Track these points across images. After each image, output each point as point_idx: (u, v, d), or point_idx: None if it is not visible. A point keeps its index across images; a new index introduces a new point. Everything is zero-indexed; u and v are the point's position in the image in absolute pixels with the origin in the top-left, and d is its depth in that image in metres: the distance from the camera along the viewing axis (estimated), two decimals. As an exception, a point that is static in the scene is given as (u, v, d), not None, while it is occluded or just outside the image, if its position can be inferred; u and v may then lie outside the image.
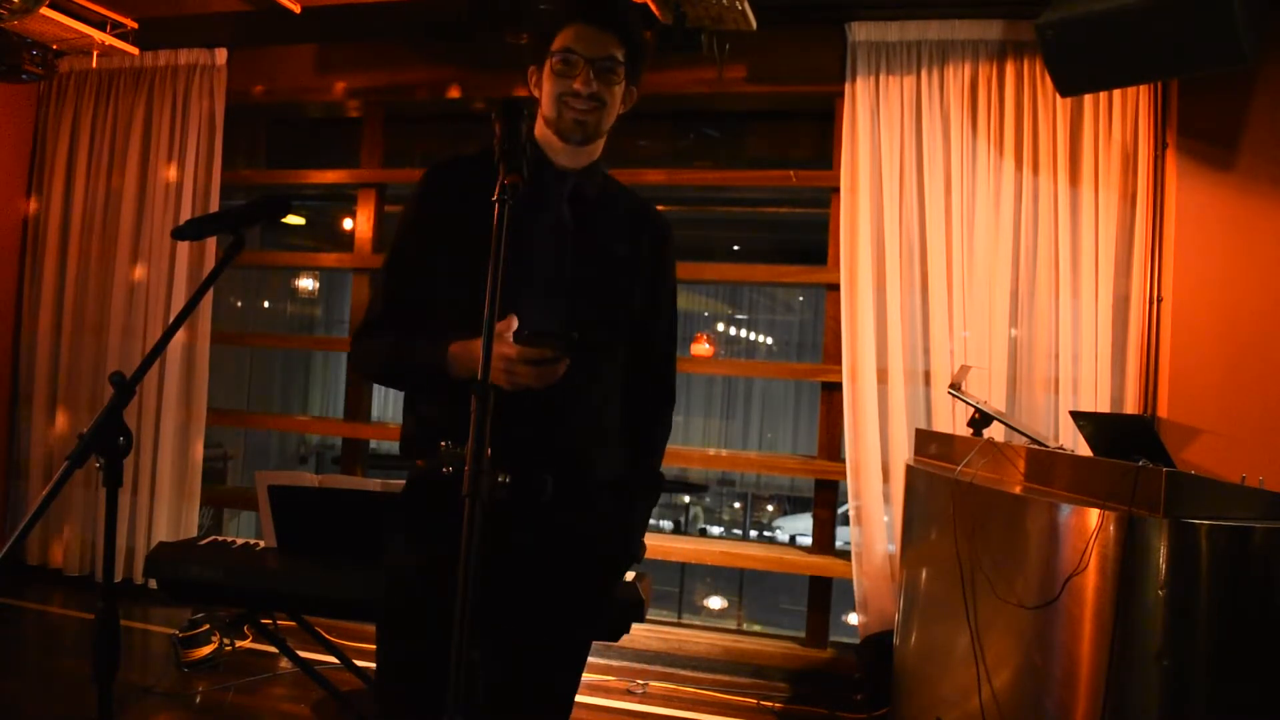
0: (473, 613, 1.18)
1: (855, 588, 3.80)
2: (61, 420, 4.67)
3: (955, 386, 3.14)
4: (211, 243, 4.40)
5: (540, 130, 1.66)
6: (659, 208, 1.85)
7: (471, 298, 1.50)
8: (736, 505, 14.32)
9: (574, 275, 1.64)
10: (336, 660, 3.03)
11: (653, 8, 3.40)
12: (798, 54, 3.99)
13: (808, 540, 4.34)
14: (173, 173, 4.57)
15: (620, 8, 1.63)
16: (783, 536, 12.58)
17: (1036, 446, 2.77)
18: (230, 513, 5.76)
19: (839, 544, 4.10)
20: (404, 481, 1.72)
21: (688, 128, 4.75)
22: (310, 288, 9.95)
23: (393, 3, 4.04)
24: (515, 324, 1.45)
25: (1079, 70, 3.23)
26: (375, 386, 4.63)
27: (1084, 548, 2.11)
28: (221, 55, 4.56)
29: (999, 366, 3.68)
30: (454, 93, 4.39)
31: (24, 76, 4.37)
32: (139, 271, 4.59)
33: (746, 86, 4.04)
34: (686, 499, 13.21)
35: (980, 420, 3.01)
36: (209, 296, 4.41)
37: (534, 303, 1.58)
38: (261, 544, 2.92)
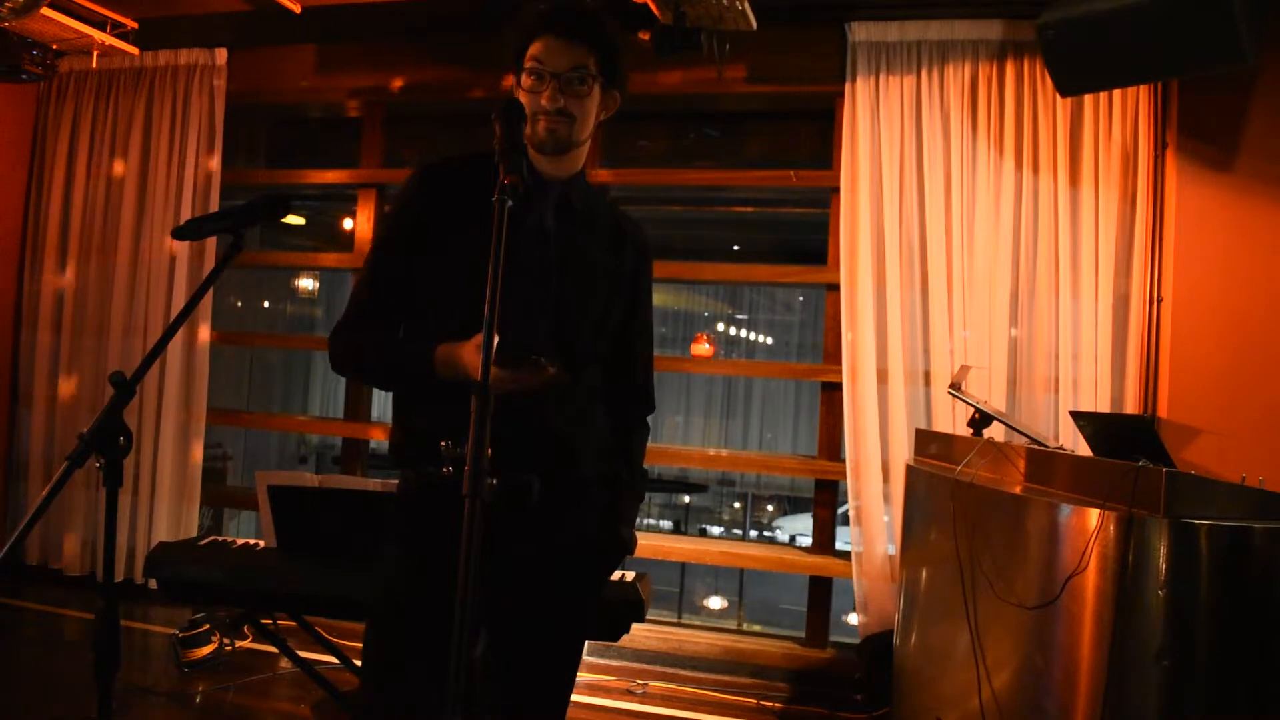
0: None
1: (855, 588, 3.80)
2: (61, 420, 4.67)
3: (955, 386, 3.14)
4: (211, 243, 4.40)
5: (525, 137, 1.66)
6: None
7: (460, 298, 1.51)
8: (736, 505, 14.32)
9: (558, 282, 1.64)
10: (336, 660, 3.03)
11: (653, 8, 3.40)
12: (798, 54, 3.98)
13: (808, 540, 4.34)
14: (173, 173, 4.57)
15: (588, 17, 1.59)
16: (783, 536, 12.59)
17: (1036, 446, 2.77)
18: (230, 513, 5.76)
19: (839, 544, 4.10)
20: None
21: (688, 128, 4.74)
22: (310, 288, 9.95)
23: (393, 2, 4.04)
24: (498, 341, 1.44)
25: (1079, 70, 3.23)
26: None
27: (1084, 548, 2.11)
28: (221, 55, 4.56)
29: (999, 366, 3.68)
30: (454, 93, 4.38)
31: (24, 76, 4.36)
32: (139, 272, 4.59)
33: (746, 86, 4.03)
34: (686, 499, 13.21)
35: (980, 420, 3.01)
36: (209, 296, 4.41)
37: (518, 309, 1.57)
38: (261, 544, 2.92)
